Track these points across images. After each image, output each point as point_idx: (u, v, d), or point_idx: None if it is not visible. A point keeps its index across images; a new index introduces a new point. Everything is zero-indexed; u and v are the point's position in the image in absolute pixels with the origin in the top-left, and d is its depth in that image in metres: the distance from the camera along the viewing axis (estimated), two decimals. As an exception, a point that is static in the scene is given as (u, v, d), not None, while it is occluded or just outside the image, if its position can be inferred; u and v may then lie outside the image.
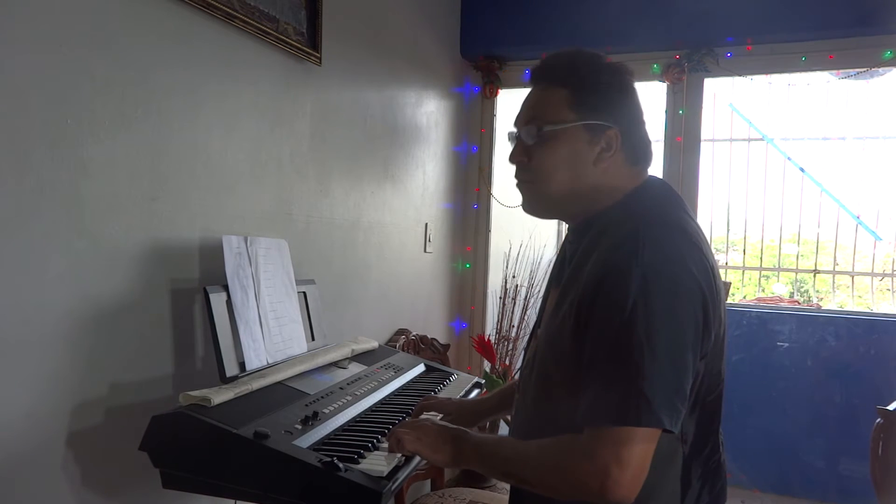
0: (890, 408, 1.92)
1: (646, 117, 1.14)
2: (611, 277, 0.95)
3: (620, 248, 0.97)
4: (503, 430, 2.94)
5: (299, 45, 1.87)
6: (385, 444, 1.19)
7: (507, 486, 1.25)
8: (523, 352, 1.26)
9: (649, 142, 1.14)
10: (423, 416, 1.45)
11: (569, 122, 1.07)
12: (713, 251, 1.07)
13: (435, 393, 1.69)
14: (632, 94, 1.12)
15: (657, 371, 0.90)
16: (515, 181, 1.16)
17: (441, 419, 1.43)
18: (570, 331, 1.01)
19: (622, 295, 0.92)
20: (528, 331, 3.11)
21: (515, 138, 1.14)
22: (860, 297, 4.29)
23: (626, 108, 1.10)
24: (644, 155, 1.13)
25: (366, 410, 1.46)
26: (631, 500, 0.91)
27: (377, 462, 1.13)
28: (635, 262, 0.93)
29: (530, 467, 1.00)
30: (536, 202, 1.14)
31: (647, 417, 0.90)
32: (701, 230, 1.09)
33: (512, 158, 1.14)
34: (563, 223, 1.23)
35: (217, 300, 1.43)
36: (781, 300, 4.19)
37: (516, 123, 1.15)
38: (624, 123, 1.08)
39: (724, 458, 1.13)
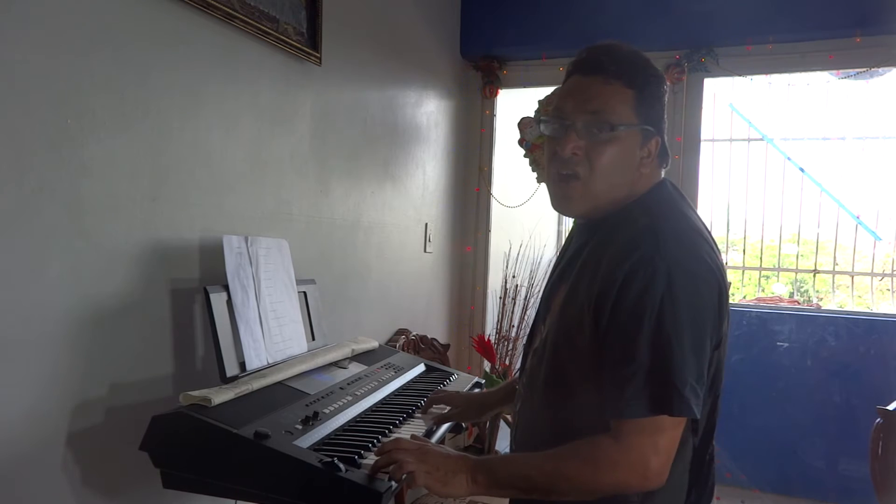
0: (890, 408, 1.92)
1: None
2: (637, 273, 0.98)
3: (642, 245, 1.00)
4: (503, 430, 2.94)
5: (299, 45, 1.87)
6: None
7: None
8: (524, 349, 1.25)
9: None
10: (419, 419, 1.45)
11: (632, 125, 1.05)
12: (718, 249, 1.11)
13: (435, 393, 1.69)
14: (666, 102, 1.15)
15: (684, 361, 0.94)
16: (554, 174, 1.09)
17: (448, 412, 1.46)
18: (588, 326, 1.02)
19: (650, 290, 0.96)
20: (529, 330, 3.12)
21: (567, 128, 1.06)
22: (860, 297, 4.28)
23: (664, 117, 1.12)
24: (669, 159, 1.16)
25: (366, 410, 1.46)
26: (662, 484, 0.96)
27: (377, 462, 1.12)
28: (659, 257, 0.97)
29: (560, 477, 0.99)
30: (580, 199, 1.08)
31: (679, 406, 0.94)
32: (707, 228, 1.14)
33: (566, 149, 1.05)
34: (565, 221, 1.25)
35: (217, 300, 1.43)
36: (781, 300, 4.18)
37: (568, 112, 1.06)
38: (661, 131, 1.12)
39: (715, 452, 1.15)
